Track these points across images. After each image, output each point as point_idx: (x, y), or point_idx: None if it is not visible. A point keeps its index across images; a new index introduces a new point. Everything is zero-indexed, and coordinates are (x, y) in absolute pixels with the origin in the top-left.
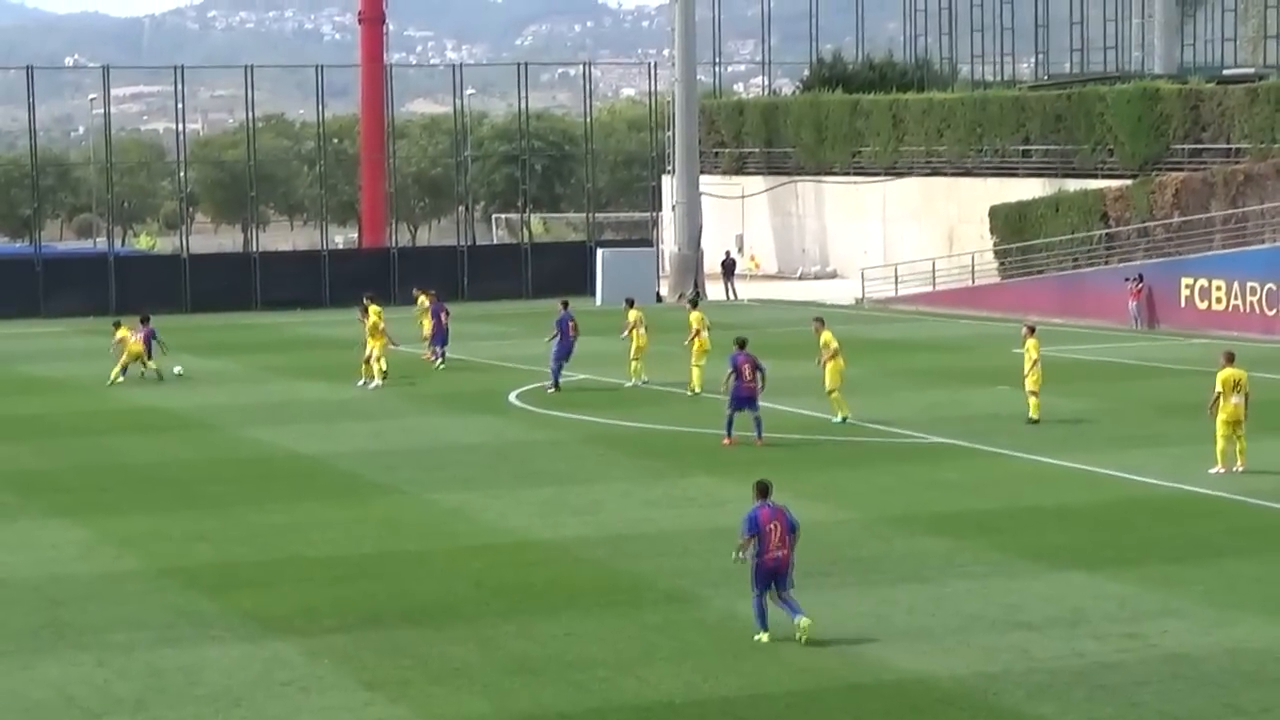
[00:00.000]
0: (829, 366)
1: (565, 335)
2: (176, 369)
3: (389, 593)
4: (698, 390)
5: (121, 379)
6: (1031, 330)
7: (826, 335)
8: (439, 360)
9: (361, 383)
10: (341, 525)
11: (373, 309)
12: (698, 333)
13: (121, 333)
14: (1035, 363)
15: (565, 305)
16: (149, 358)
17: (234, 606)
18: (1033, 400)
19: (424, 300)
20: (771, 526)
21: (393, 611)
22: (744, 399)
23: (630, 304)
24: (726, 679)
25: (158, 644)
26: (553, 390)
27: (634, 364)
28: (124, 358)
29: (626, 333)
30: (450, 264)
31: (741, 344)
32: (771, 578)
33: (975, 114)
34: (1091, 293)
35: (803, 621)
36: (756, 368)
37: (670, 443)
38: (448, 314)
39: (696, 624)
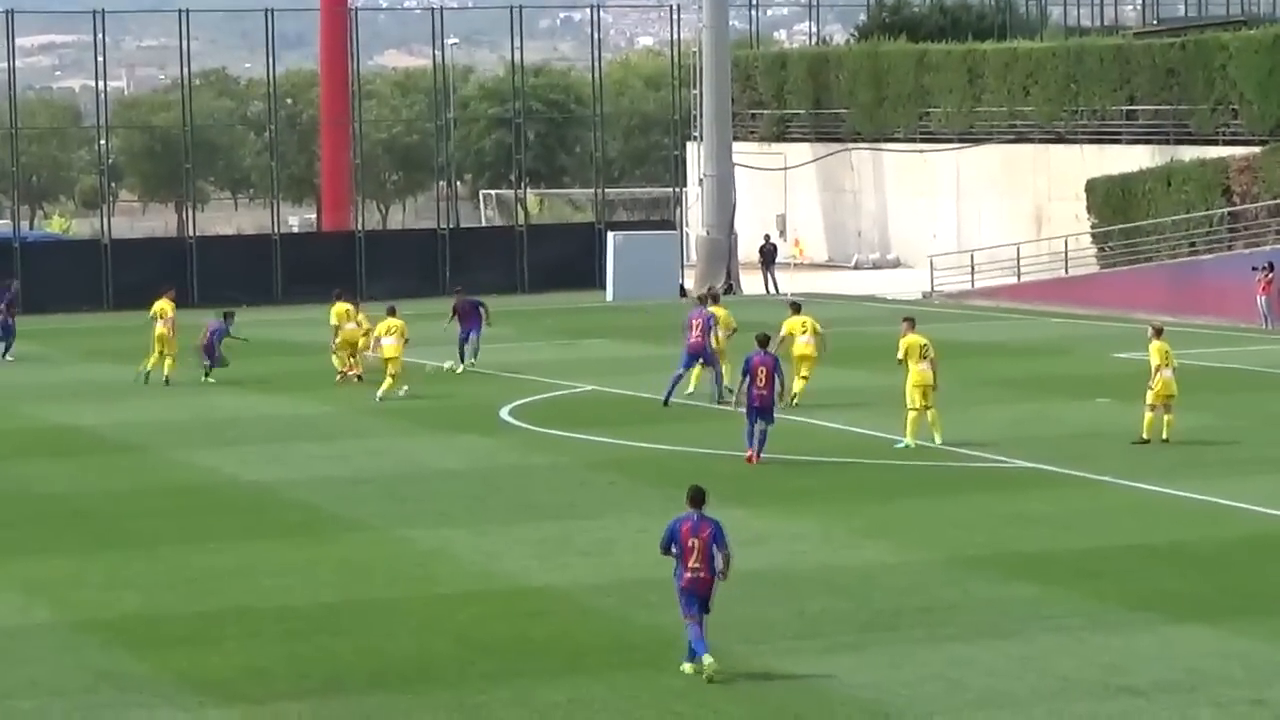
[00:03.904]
0: (909, 379)
1: (691, 334)
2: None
3: (354, 650)
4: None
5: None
6: (1158, 331)
7: (908, 340)
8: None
9: (396, 392)
10: (297, 569)
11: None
12: (789, 337)
13: (159, 307)
14: (1158, 369)
15: (703, 301)
16: (209, 360)
17: (167, 667)
18: (1148, 416)
19: (341, 306)
20: (692, 543)
21: (359, 673)
22: (755, 408)
23: (715, 299)
24: None
25: (75, 712)
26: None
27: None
28: (159, 346)
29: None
30: (429, 251)
31: (763, 343)
32: (695, 598)
33: (1069, 67)
34: (1211, 284)
35: (706, 660)
36: (774, 373)
37: (695, 468)
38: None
39: (728, 688)
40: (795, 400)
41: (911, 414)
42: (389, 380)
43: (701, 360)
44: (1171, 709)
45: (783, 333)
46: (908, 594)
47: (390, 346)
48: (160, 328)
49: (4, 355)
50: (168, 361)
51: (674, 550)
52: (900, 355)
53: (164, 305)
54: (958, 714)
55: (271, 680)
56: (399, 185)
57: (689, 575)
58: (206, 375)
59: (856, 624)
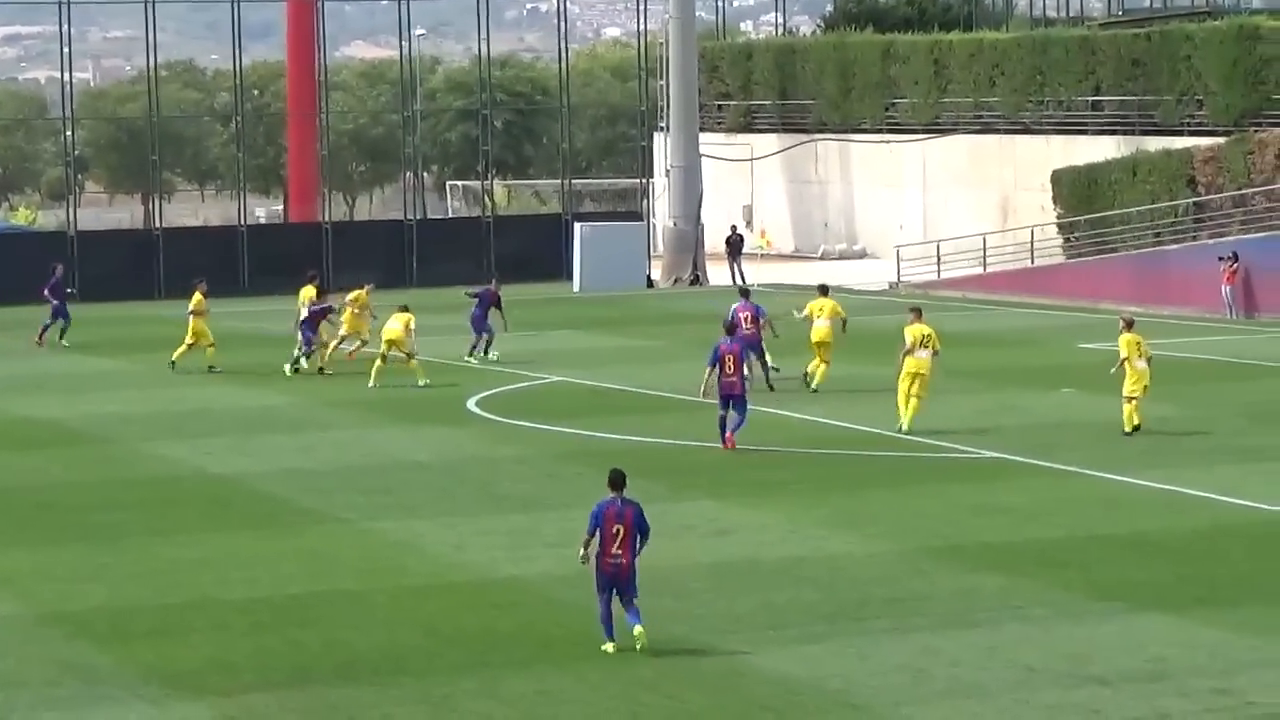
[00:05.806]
0: (904, 365)
1: (738, 329)
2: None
3: (321, 643)
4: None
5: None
6: (1129, 324)
7: (914, 329)
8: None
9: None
10: (264, 560)
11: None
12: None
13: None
14: (1124, 362)
15: (743, 293)
16: (310, 346)
17: (132, 660)
18: (1126, 408)
19: (361, 295)
20: (615, 529)
21: (325, 665)
22: (723, 396)
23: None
24: None
25: (39, 706)
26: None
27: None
28: (190, 336)
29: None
30: (395, 241)
31: (730, 330)
32: (612, 584)
33: (1035, 58)
34: (1176, 275)
35: (636, 629)
36: (742, 360)
37: (665, 459)
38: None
39: (695, 679)
40: (815, 387)
41: (900, 398)
42: (414, 364)
43: (753, 351)
44: (1137, 698)
45: (805, 312)
46: (874, 585)
47: (394, 329)
48: (194, 321)
49: (60, 338)
50: (180, 349)
51: (596, 536)
52: (907, 345)
53: (195, 299)
54: (924, 704)
55: (238, 672)
56: (366, 176)
57: (609, 561)
58: (312, 358)
59: (823, 615)
